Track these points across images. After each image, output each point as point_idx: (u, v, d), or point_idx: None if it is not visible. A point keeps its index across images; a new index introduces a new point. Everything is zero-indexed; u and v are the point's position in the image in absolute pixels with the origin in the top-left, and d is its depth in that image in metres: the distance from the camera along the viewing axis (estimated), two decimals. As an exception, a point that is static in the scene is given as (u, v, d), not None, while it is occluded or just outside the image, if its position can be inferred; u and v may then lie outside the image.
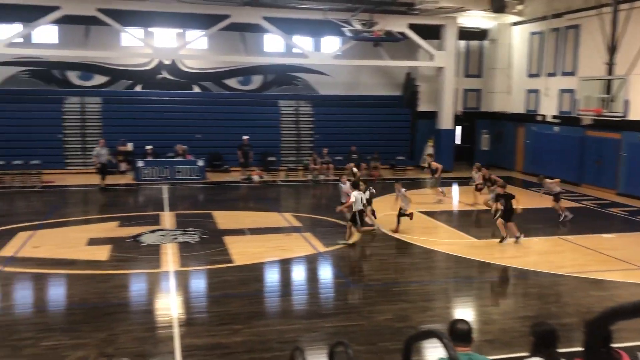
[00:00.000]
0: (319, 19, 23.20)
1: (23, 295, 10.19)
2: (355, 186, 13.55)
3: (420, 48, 25.51)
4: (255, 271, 11.55)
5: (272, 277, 11.69)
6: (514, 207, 13.53)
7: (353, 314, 9.23)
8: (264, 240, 13.38)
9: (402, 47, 25.55)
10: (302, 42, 25.97)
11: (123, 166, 23.37)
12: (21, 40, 23.09)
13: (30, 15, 21.77)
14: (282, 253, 12.54)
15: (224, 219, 15.71)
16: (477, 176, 18.12)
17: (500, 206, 14.05)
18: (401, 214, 14.47)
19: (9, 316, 9.03)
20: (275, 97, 27.04)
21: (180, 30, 25.39)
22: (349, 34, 22.92)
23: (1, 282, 10.55)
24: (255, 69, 26.95)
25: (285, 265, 12.05)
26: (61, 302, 9.97)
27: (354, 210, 13.11)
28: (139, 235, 13.82)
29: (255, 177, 22.76)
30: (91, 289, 10.15)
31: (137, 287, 10.70)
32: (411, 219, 14.59)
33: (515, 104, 26.16)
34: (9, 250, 12.34)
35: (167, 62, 25.98)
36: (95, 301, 9.59)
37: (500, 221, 13.58)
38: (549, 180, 16.60)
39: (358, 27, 22.85)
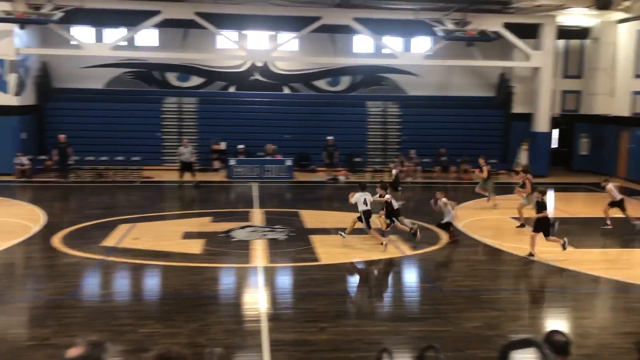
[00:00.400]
0: (410, 19, 22.95)
1: (123, 284, 10.82)
2: (362, 188, 13.35)
3: (515, 48, 24.60)
4: (341, 271, 11.61)
5: (357, 277, 11.69)
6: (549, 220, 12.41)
7: (440, 319, 9.04)
8: (350, 241, 13.41)
9: (496, 47, 24.75)
10: (392, 43, 25.79)
11: (216, 164, 24.26)
12: (125, 43, 24.53)
13: (133, 19, 23.10)
14: (368, 254, 12.50)
15: (310, 217, 15.91)
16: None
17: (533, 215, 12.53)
18: (439, 224, 13.50)
19: (111, 303, 9.63)
20: (363, 98, 27.02)
21: (273, 33, 25.99)
22: (441, 33, 22.49)
23: (104, 270, 11.26)
24: (344, 70, 27.08)
25: (371, 266, 12.01)
26: (157, 292, 10.49)
27: (359, 210, 12.87)
28: (230, 230, 14.27)
29: (341, 178, 22.87)
30: (185, 280, 10.60)
31: (227, 281, 11.06)
32: (450, 236, 13.38)
33: (619, 107, 24.57)
34: (111, 241, 13.14)
35: (259, 64, 26.67)
36: (189, 292, 10.01)
37: (533, 235, 12.27)
38: (611, 185, 15.00)
39: (450, 26, 22.37)
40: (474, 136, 25.70)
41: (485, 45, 24.25)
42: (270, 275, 11.11)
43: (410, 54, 25.99)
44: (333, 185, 22.30)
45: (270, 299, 9.85)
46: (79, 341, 2.59)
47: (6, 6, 21.00)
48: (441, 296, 10.25)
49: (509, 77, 26.60)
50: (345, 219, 14.08)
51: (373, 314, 9.39)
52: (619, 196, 14.82)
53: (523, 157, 24.81)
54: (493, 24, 23.30)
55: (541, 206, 12.22)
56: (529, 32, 24.16)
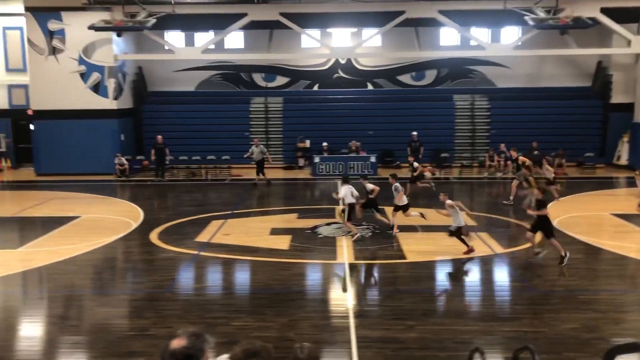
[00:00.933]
0: (499, 9, 22.14)
1: (215, 278, 11.24)
2: (345, 181, 13.83)
3: (614, 33, 23.13)
4: (428, 269, 11.42)
5: (445, 276, 11.46)
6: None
7: (534, 319, 8.67)
8: (437, 238, 13.12)
9: (592, 34, 23.42)
10: (479, 34, 25.03)
11: (301, 162, 24.62)
12: (213, 46, 25.41)
13: (221, 23, 23.88)
14: (456, 252, 12.21)
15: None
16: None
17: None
18: (451, 232, 11.87)
19: (204, 296, 10.01)
20: (450, 92, 26.44)
21: (356, 30, 25.98)
22: (531, 22, 21.53)
23: (198, 265, 11.74)
24: (429, 63, 26.60)
25: (459, 264, 11.72)
26: (247, 286, 10.79)
27: (345, 203, 13.26)
28: (316, 227, 14.44)
29: (427, 174, 22.48)
30: (274, 275, 10.83)
31: (314, 277, 11.19)
32: (464, 241, 11.76)
33: None
34: (204, 237, 13.67)
35: (342, 62, 26.76)
36: (278, 287, 10.22)
37: (531, 235, 11.26)
38: None
39: (542, 15, 21.36)
40: (569, 128, 24.50)
41: (580, 33, 22.99)
42: (356, 272, 11.12)
43: (499, 45, 25.12)
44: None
45: (356, 295, 9.87)
46: (180, 332, 2.72)
47: (105, 16, 22.36)
48: (535, 296, 9.83)
49: (607, 65, 25.09)
50: (431, 216, 13.84)
51: (463, 312, 9.16)
52: None
53: (624, 150, 23.33)
54: (589, 9, 22.02)
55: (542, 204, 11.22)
56: (629, 16, 22.63)
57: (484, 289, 10.60)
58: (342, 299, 9.65)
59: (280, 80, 27.28)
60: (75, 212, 16.54)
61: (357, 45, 24.91)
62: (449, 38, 26.16)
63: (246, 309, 9.24)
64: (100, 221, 15.64)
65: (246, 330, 8.21)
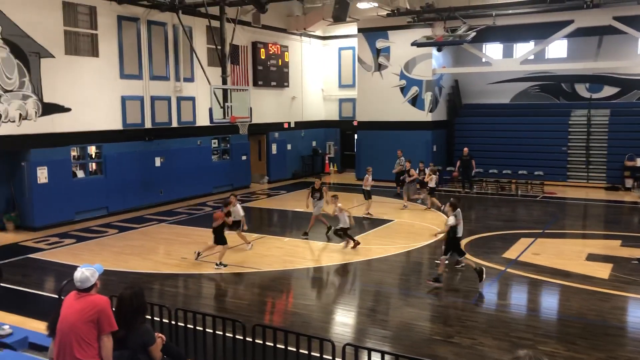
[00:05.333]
0: None
1: (521, 297, 10.67)
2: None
3: None
4: None
5: None
6: None
7: None
8: None
9: None
10: None
11: (629, 182, 21.80)
12: (532, 57, 24.33)
13: (543, 32, 22.73)
14: None
15: None
16: None
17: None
18: (336, 231, 13.82)
19: (509, 314, 9.59)
20: None
21: None
22: None
23: (504, 281, 11.33)
24: None
25: None
26: (556, 311, 9.96)
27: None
28: (644, 257, 12.55)
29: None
30: (589, 304, 9.77)
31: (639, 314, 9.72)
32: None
33: None
34: (512, 254, 13.16)
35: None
36: (593, 318, 9.18)
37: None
38: None
39: None
40: None
41: None
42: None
43: None
44: None
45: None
46: (522, 354, 2.48)
47: (427, 32, 23.45)
48: None
49: None
50: None
51: None
52: None
53: None
54: None
55: None
56: None
57: None
58: (677, 345, 8.14)
59: (608, 90, 24.63)
60: (389, 216, 17.73)
61: None
62: None
63: (554, 335, 8.53)
64: (411, 227, 16.42)
65: (555, 357, 7.58)
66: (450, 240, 10.97)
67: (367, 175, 18.11)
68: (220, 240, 12.41)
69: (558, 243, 14.36)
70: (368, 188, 17.94)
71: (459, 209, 11.07)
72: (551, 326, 9.09)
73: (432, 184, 18.64)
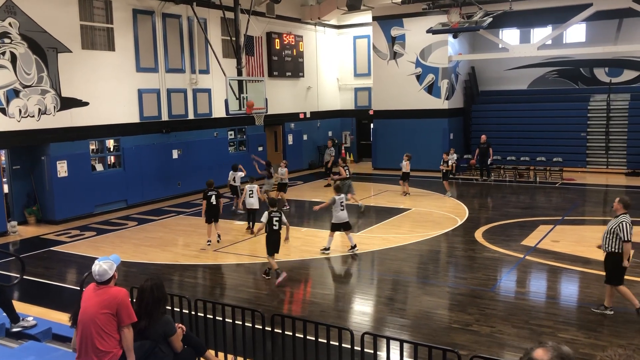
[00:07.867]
0: None
1: (541, 285, 10.60)
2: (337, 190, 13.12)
3: None
4: None
5: None
6: None
7: None
8: None
9: None
10: None
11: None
12: (550, 42, 23.98)
13: (561, 16, 22.37)
14: None
15: None
16: None
17: None
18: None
19: (528, 301, 9.53)
20: None
21: None
22: None
23: (522, 268, 11.27)
24: None
25: None
26: (576, 298, 9.88)
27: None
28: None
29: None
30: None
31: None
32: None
33: None
34: (531, 241, 13.07)
35: None
36: (614, 305, 9.07)
37: None
38: None
39: None
40: None
41: None
42: None
43: None
44: None
45: None
46: (547, 345, 2.39)
47: (443, 19, 23.20)
48: None
49: None
50: None
51: None
52: None
53: None
54: None
55: None
56: None
57: None
58: (701, 332, 8.03)
59: (628, 74, 24.20)
60: (405, 205, 17.69)
61: None
62: None
63: (575, 323, 8.46)
64: (429, 215, 16.37)
65: (575, 344, 7.52)
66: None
67: (404, 162, 19.36)
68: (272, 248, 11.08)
69: (578, 230, 14.22)
70: (407, 170, 19.38)
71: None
72: (571, 313, 9.02)
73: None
